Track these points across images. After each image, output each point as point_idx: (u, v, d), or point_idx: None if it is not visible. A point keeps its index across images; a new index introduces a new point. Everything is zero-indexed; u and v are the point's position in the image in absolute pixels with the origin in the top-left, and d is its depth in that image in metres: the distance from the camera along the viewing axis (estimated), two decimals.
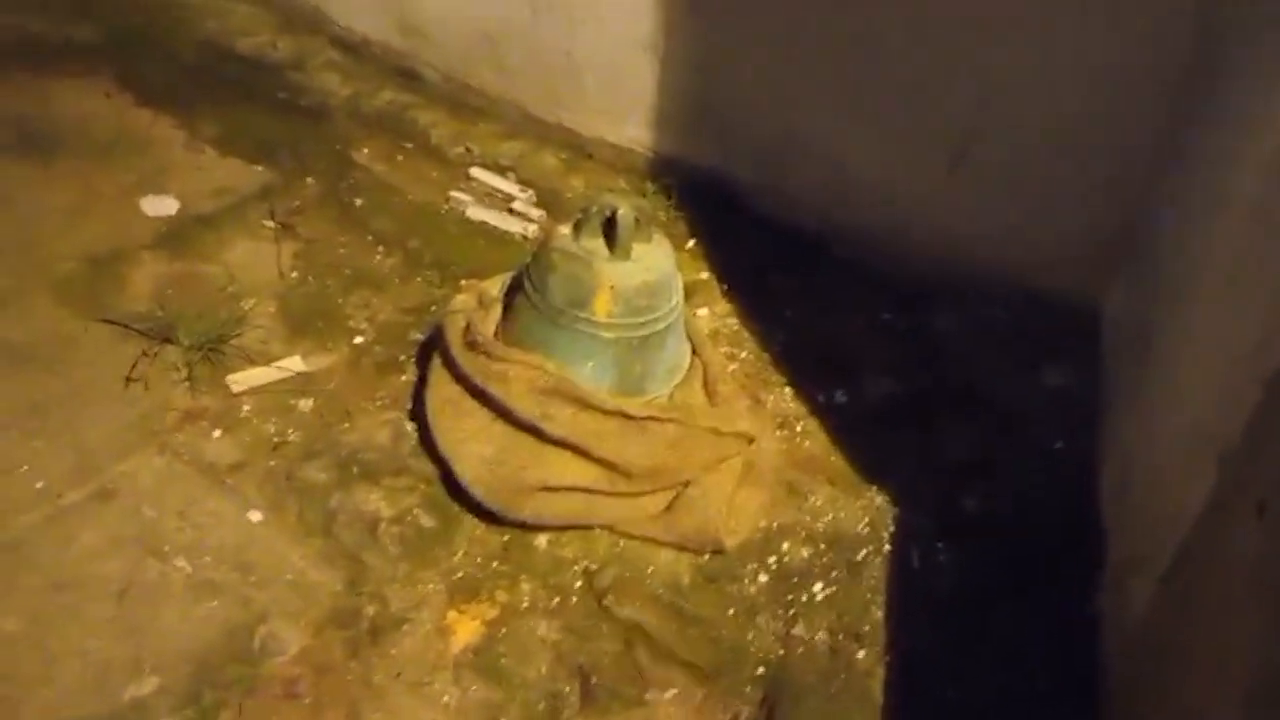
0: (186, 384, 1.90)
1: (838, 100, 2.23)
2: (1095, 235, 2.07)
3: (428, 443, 1.79)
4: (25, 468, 1.71)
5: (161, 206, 2.33)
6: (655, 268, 1.72)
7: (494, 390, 1.70)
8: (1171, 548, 1.30)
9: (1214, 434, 1.25)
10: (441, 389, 1.79)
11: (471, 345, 1.75)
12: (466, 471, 1.69)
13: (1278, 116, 1.44)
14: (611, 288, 1.68)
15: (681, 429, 1.73)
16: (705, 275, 2.33)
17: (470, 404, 1.75)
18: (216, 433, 1.83)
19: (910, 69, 2.10)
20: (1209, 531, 1.22)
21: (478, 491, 1.68)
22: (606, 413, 1.70)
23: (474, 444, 1.71)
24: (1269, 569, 1.05)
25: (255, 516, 1.70)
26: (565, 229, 1.75)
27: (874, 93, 2.17)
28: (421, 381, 1.87)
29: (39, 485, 1.69)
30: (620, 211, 1.66)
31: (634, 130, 2.56)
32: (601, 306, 1.69)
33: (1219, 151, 1.69)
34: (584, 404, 1.69)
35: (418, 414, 1.85)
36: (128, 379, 1.89)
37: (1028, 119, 2.03)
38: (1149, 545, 1.43)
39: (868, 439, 1.96)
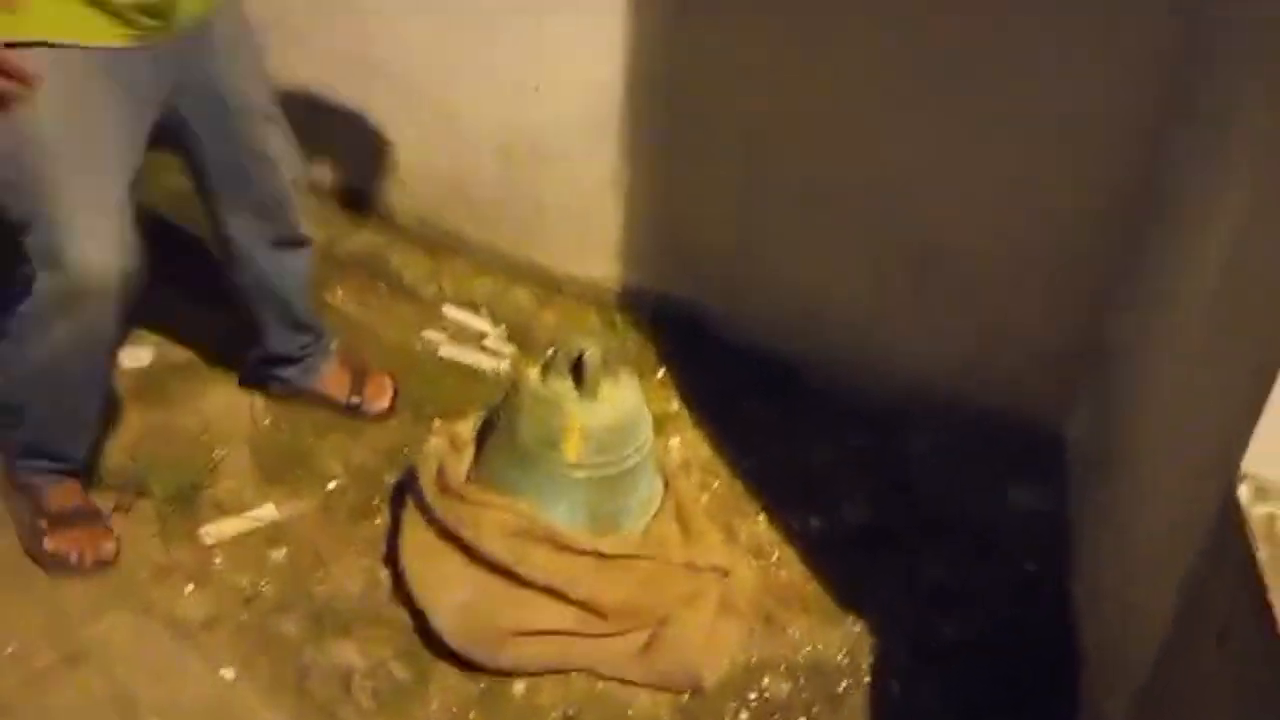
0: (159, 538, 1.90)
1: (801, 232, 2.30)
2: (1057, 356, 2.12)
3: (402, 589, 1.78)
4: None
5: (137, 356, 2.35)
6: (623, 406, 1.75)
7: (466, 534, 1.70)
8: (1141, 673, 1.30)
9: (1173, 558, 1.27)
10: (415, 534, 1.79)
11: (444, 489, 1.76)
12: (443, 621, 1.68)
13: (1215, 242, 1.50)
14: (581, 428, 1.70)
15: (656, 565, 1.74)
16: (676, 405, 2.35)
17: (444, 548, 1.75)
18: (189, 587, 1.82)
19: (867, 203, 2.18)
20: (1173, 658, 1.23)
21: (456, 641, 1.67)
22: (580, 552, 1.70)
23: (449, 590, 1.71)
24: (1232, 697, 1.06)
25: (228, 674, 1.68)
26: (534, 371, 1.78)
27: (835, 225, 2.24)
28: (395, 526, 1.88)
29: (10, 649, 1.68)
30: (587, 353, 1.69)
31: (602, 265, 2.63)
32: (572, 447, 1.71)
33: (1169, 274, 1.75)
34: (558, 545, 1.70)
35: (391, 560, 1.84)
36: None
37: (984, 247, 2.09)
38: (1120, 669, 1.43)
39: (844, 566, 1.96)
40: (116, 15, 1.50)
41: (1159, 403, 1.62)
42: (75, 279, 1.52)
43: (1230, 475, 1.14)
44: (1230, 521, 1.11)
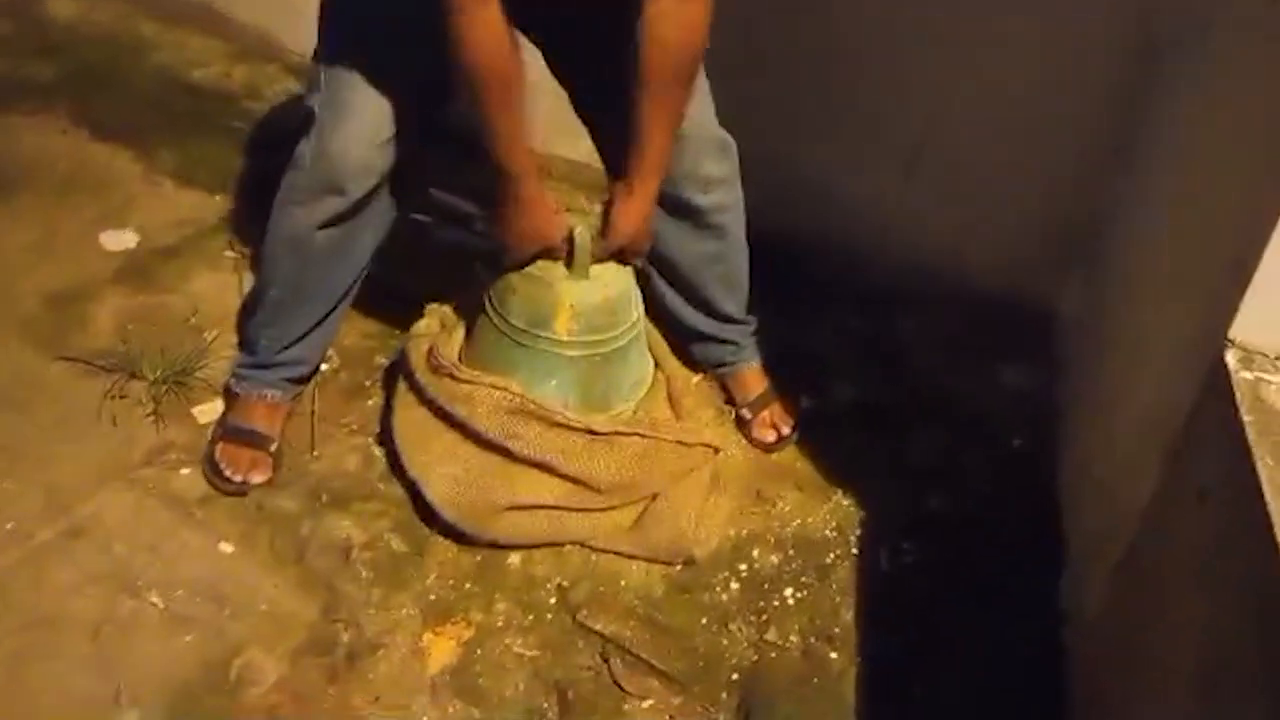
0: (152, 418, 1.91)
1: (799, 116, 2.27)
2: (1049, 239, 2.12)
3: (397, 467, 1.80)
4: None
5: (121, 240, 2.33)
6: (614, 284, 1.75)
7: (459, 412, 1.71)
8: (1123, 541, 1.34)
9: (1159, 427, 1.29)
10: (408, 412, 1.80)
11: (436, 368, 1.77)
12: (436, 494, 1.71)
13: (1213, 117, 1.48)
14: (571, 306, 1.70)
15: (647, 443, 1.76)
16: None
17: (437, 426, 1.76)
18: (185, 467, 1.83)
19: (864, 84, 2.15)
20: (1155, 521, 1.26)
21: (448, 513, 1.70)
22: (572, 430, 1.72)
23: (442, 466, 1.73)
24: (1211, 555, 1.09)
25: (227, 548, 1.71)
26: None
27: (833, 111, 2.22)
28: (388, 406, 1.89)
29: (9, 526, 1.69)
30: (577, 231, 1.68)
31: (589, 145, 2.58)
32: (562, 325, 1.71)
33: (1162, 151, 1.74)
34: (550, 422, 1.71)
35: (386, 438, 1.86)
36: (98, 415, 1.90)
37: (977, 130, 2.08)
38: (1103, 540, 1.47)
39: (834, 444, 1.99)
40: None
41: (1149, 276, 1.62)
42: (327, 162, 1.64)
43: (1218, 343, 1.15)
44: (1216, 387, 1.13)
